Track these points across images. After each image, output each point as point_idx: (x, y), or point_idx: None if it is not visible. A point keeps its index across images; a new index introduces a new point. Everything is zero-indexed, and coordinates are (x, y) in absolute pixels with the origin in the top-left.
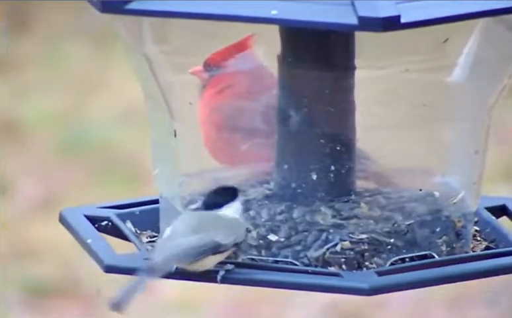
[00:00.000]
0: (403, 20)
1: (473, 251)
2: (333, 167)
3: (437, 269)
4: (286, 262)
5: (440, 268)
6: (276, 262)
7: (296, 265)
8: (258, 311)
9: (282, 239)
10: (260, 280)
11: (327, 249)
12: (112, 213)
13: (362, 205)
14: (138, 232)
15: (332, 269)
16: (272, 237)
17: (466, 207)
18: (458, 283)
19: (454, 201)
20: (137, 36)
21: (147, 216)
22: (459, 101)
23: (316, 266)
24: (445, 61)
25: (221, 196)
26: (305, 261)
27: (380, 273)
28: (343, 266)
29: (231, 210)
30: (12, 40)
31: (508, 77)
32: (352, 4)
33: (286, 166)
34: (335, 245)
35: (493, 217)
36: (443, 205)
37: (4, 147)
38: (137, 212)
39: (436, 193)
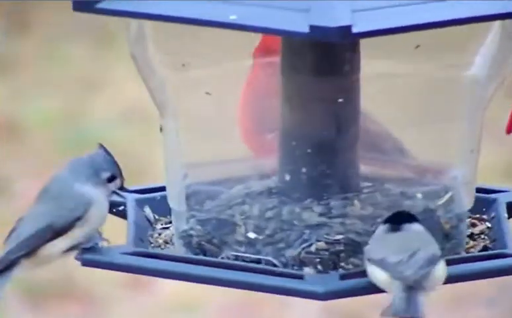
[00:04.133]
0: (355, 30)
1: (470, 251)
2: (332, 166)
3: None
4: (267, 261)
5: None
6: (259, 259)
7: (275, 264)
8: (258, 311)
9: (263, 236)
10: (219, 279)
11: (303, 249)
12: (130, 198)
13: (355, 202)
14: (156, 217)
15: (307, 269)
16: (251, 235)
17: (459, 207)
18: (456, 283)
19: (441, 202)
20: (127, 34)
21: (167, 202)
22: (459, 101)
23: (293, 266)
24: (447, 61)
25: None
26: (283, 260)
27: (343, 277)
28: (318, 266)
29: None
30: (12, 40)
31: (502, 78)
32: (308, 12)
33: (286, 163)
34: (310, 245)
35: (505, 214)
36: (432, 206)
37: (4, 147)
38: (158, 198)
39: (419, 195)
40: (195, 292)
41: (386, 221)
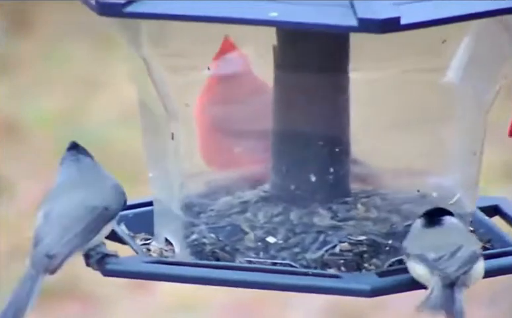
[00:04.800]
0: (403, 22)
1: None
2: (329, 169)
3: None
4: (285, 264)
5: None
6: (275, 264)
7: (295, 267)
8: (258, 311)
9: (280, 241)
10: (260, 282)
11: (326, 251)
12: None
13: (359, 206)
14: (132, 234)
15: (331, 271)
16: (271, 239)
17: (463, 208)
18: None
19: (451, 202)
20: (135, 39)
21: (140, 219)
22: (456, 103)
23: (315, 268)
24: (442, 62)
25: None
26: (304, 263)
27: (379, 275)
28: (342, 268)
29: None
30: (12, 40)
31: (502, 79)
32: (352, 6)
33: (282, 168)
34: (334, 247)
35: (487, 217)
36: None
37: (3, 147)
38: (131, 215)
39: (434, 194)
40: (195, 292)
41: (423, 215)
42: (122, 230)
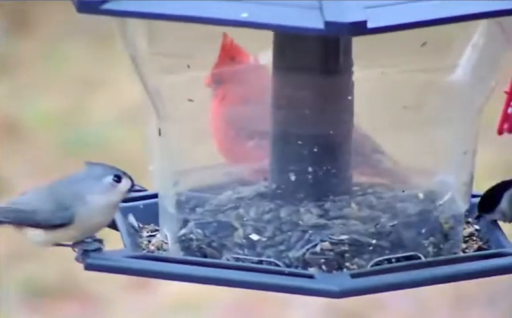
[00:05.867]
0: (370, 26)
1: (465, 252)
2: (328, 167)
3: (413, 272)
4: (270, 262)
5: (417, 271)
6: (261, 261)
7: (278, 265)
8: (259, 311)
9: (265, 239)
10: (230, 280)
11: (307, 250)
12: None
13: (353, 204)
14: (141, 225)
15: (312, 269)
16: (254, 237)
17: (456, 208)
18: (457, 283)
19: (441, 202)
20: (122, 36)
21: (151, 210)
22: (450, 103)
23: (297, 267)
24: (437, 63)
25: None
26: (287, 261)
27: (353, 276)
28: (323, 267)
29: None
30: (12, 40)
31: (495, 80)
32: (320, 8)
33: (276, 165)
34: (315, 246)
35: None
36: (431, 206)
37: (4, 147)
38: (141, 206)
39: (421, 195)
40: (195, 292)
41: None
42: (131, 221)
